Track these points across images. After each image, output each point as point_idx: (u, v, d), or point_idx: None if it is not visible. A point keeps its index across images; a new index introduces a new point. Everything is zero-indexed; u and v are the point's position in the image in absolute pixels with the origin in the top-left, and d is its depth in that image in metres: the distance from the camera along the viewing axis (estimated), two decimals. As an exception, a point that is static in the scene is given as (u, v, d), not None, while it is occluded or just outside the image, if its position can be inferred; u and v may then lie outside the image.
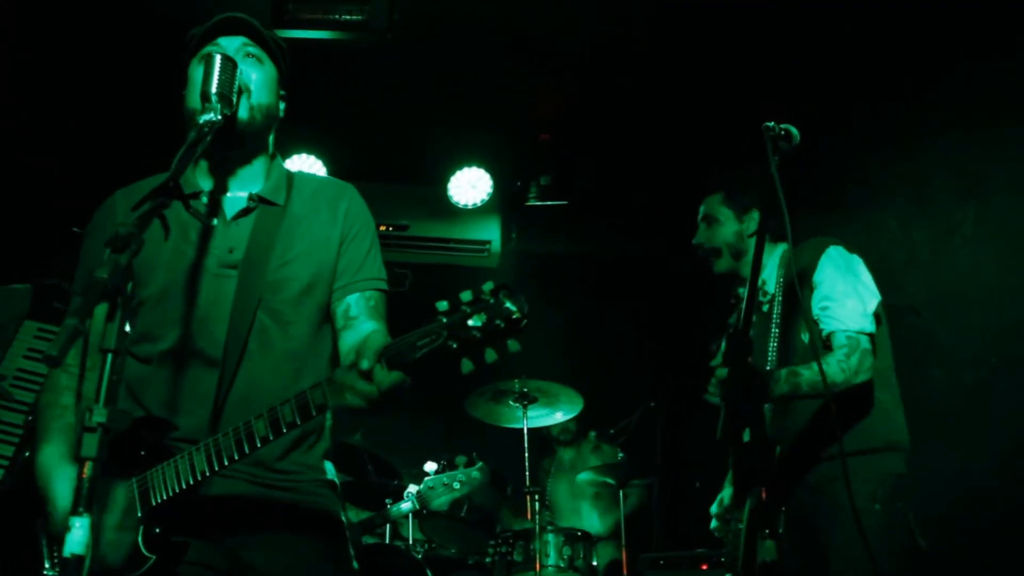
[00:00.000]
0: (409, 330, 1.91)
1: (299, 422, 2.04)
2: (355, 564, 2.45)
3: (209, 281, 2.37)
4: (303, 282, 2.43)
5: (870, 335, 3.34)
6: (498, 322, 1.81)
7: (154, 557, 2.14)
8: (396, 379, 1.92)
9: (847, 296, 3.39)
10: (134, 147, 5.29)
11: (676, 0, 5.20)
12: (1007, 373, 4.14)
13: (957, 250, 4.55)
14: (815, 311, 3.43)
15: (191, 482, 2.13)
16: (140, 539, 2.15)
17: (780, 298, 3.57)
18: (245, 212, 2.45)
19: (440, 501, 4.62)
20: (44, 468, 2.27)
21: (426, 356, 1.87)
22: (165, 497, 2.15)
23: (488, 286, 1.85)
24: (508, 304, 1.82)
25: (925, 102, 4.79)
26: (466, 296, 1.85)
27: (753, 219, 3.74)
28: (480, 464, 4.46)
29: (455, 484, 4.42)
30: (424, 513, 5.49)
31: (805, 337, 3.42)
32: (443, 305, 1.85)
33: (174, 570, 2.18)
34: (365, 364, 1.92)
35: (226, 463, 2.10)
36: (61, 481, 2.21)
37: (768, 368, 3.44)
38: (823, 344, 3.38)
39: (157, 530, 2.15)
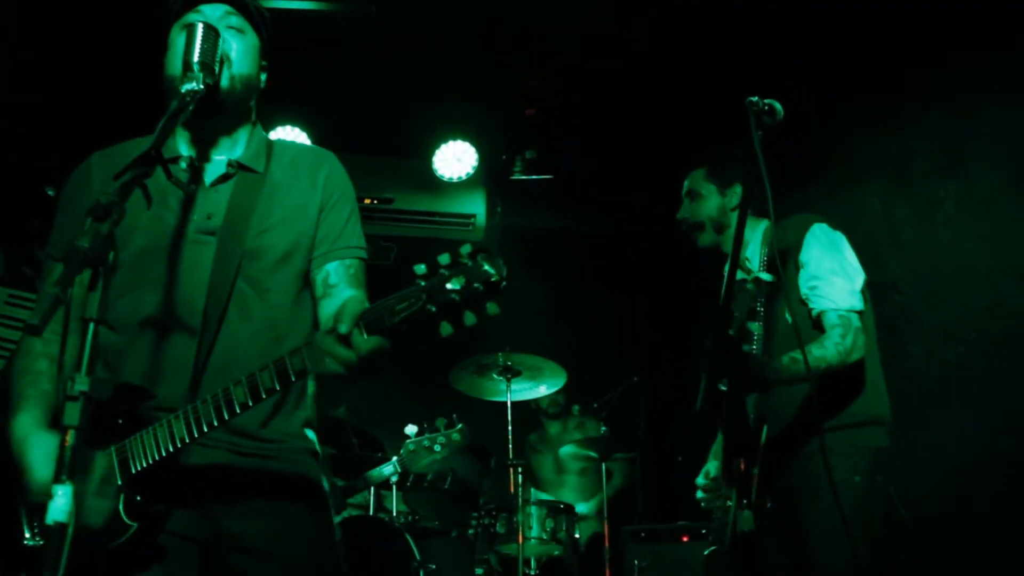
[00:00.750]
0: None
1: (278, 388, 2.04)
2: (337, 533, 2.46)
3: (187, 247, 2.36)
4: (282, 249, 2.42)
5: (859, 312, 3.36)
6: (476, 285, 1.81)
7: (135, 525, 2.14)
8: (375, 344, 1.92)
9: (835, 274, 3.40)
10: (108, 109, 5.27)
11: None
12: (987, 350, 4.17)
13: (939, 228, 4.57)
14: (803, 290, 3.44)
15: (170, 449, 2.12)
16: (121, 507, 2.14)
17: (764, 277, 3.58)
18: (224, 178, 2.45)
19: (421, 464, 4.61)
20: (18, 436, 2.26)
21: (405, 320, 1.86)
22: (145, 465, 2.14)
23: (466, 249, 1.84)
24: (486, 267, 1.81)
25: (907, 81, 4.79)
26: (444, 259, 1.84)
27: (736, 193, 3.74)
28: (460, 426, 4.45)
29: (436, 447, 4.42)
30: (408, 483, 5.52)
31: (789, 317, 3.43)
32: (421, 268, 1.85)
33: (155, 538, 2.18)
34: (343, 328, 1.92)
35: (205, 430, 2.10)
36: (36, 448, 2.20)
37: (754, 349, 3.45)
38: (812, 323, 3.40)
39: (138, 498, 2.15)
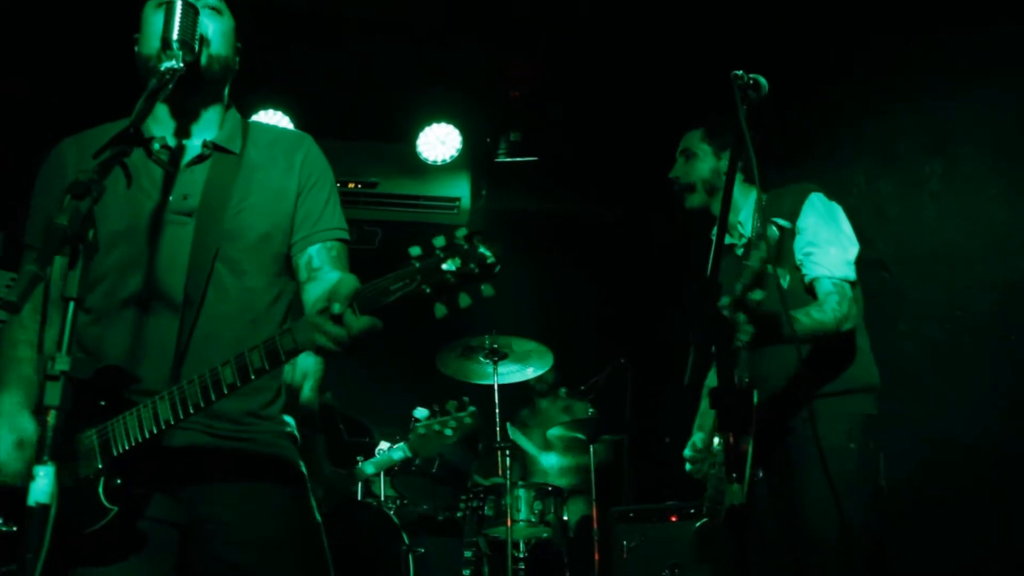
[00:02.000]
0: None
1: (268, 368, 2.02)
2: (318, 517, 2.44)
3: (164, 228, 2.33)
4: (259, 231, 2.40)
5: (852, 283, 3.37)
6: (472, 266, 1.82)
7: (115, 509, 2.12)
8: (367, 323, 1.91)
9: (830, 243, 3.40)
10: (89, 95, 5.21)
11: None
12: (973, 328, 4.19)
13: (924, 206, 4.58)
14: (798, 256, 3.44)
15: (154, 431, 2.10)
16: (101, 490, 2.12)
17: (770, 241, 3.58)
18: (199, 159, 2.42)
19: (431, 447, 4.58)
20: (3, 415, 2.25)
21: (399, 300, 1.87)
22: (127, 447, 2.12)
23: (462, 232, 1.85)
24: (482, 249, 1.83)
25: (893, 59, 4.79)
26: (439, 241, 1.85)
27: (724, 161, 3.72)
28: (472, 408, 4.42)
29: (447, 431, 4.39)
30: (412, 467, 5.50)
31: (784, 282, 3.43)
32: (416, 250, 1.85)
33: (135, 522, 2.16)
34: (337, 308, 1.90)
35: (192, 411, 2.08)
36: (7, 432, 2.20)
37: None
38: (805, 289, 3.40)
39: (118, 481, 2.13)
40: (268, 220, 2.42)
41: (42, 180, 2.48)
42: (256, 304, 2.39)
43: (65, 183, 2.28)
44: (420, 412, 4.45)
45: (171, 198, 2.35)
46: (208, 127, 2.47)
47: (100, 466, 2.13)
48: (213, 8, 2.42)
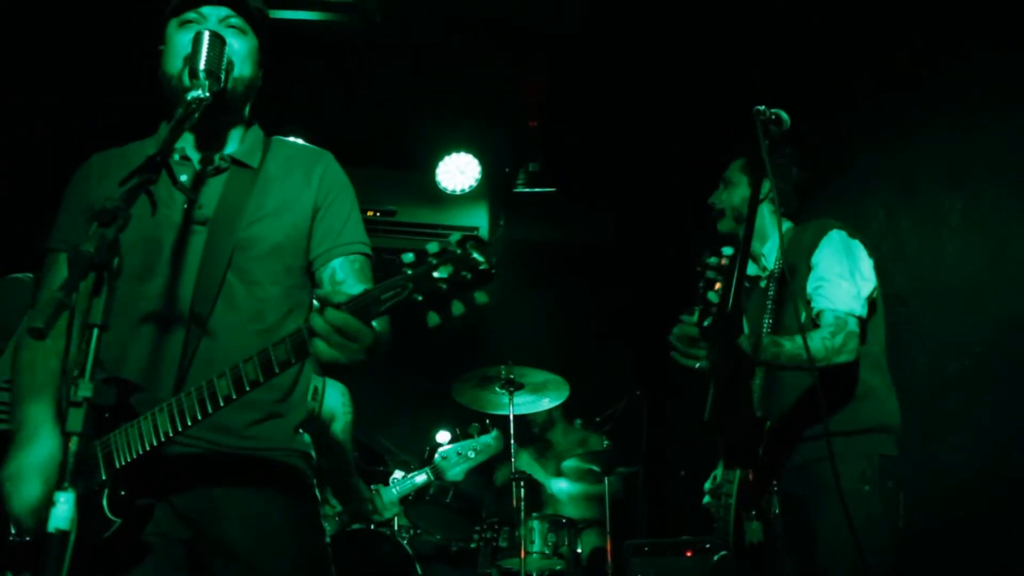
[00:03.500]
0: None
1: (262, 379, 2.01)
2: (327, 538, 2.43)
3: (177, 236, 2.35)
4: (273, 241, 2.41)
5: (859, 318, 3.35)
6: (464, 273, 1.78)
7: (119, 521, 2.11)
8: (352, 321, 1.89)
9: (842, 278, 3.39)
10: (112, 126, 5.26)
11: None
12: (991, 363, 4.16)
13: (944, 241, 4.56)
14: (808, 290, 3.44)
15: (154, 443, 2.10)
16: (104, 502, 2.12)
17: (778, 276, 3.60)
18: (217, 171, 2.45)
19: (455, 471, 4.55)
20: (31, 421, 2.24)
21: (390, 309, 1.84)
22: (129, 459, 2.12)
23: (455, 237, 1.81)
24: (475, 255, 1.78)
25: (912, 94, 4.80)
26: (432, 247, 1.81)
27: (764, 190, 3.74)
28: (495, 432, 4.40)
29: (470, 453, 4.37)
30: (410, 497, 5.48)
31: (801, 316, 3.43)
32: (408, 257, 1.82)
33: (138, 535, 2.15)
34: (328, 313, 1.90)
35: (189, 423, 2.07)
36: (43, 441, 2.19)
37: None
38: (813, 323, 3.40)
39: (122, 493, 2.13)
40: (282, 232, 2.43)
41: (70, 191, 2.51)
42: (267, 315, 2.39)
43: (90, 197, 2.34)
44: (442, 437, 4.45)
45: (186, 207, 2.37)
46: (229, 142, 2.50)
47: (104, 478, 2.13)
48: (238, 28, 2.45)
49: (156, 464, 2.15)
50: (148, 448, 2.11)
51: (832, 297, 3.36)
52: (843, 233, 3.53)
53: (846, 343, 3.28)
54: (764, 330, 3.50)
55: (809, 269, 3.49)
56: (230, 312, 2.34)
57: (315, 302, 2.46)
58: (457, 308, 1.80)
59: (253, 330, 2.35)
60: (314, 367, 2.58)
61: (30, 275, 4.01)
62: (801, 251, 3.53)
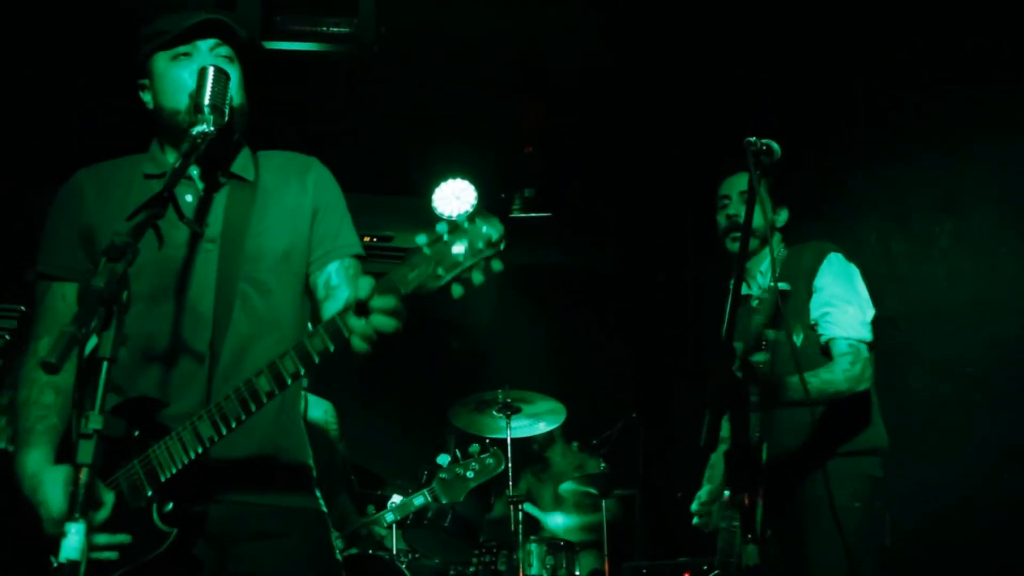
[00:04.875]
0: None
1: (303, 372, 2.09)
2: (339, 556, 2.51)
3: (189, 255, 2.40)
4: (279, 251, 2.48)
5: (869, 344, 3.40)
6: (479, 244, 1.89)
7: (175, 530, 2.16)
8: (391, 303, 1.97)
9: (848, 303, 3.44)
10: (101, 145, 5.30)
11: (661, 15, 5.26)
12: (984, 385, 4.20)
13: (935, 263, 4.61)
14: (814, 315, 3.47)
15: (199, 451, 2.15)
16: (155, 516, 2.17)
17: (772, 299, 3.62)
18: (217, 188, 2.50)
19: (455, 492, 4.56)
20: (30, 472, 2.26)
21: (418, 286, 1.94)
22: (174, 471, 2.17)
23: (462, 215, 1.93)
24: (485, 228, 1.90)
25: (902, 118, 4.86)
26: (442, 227, 1.92)
27: (781, 215, 3.80)
28: (494, 450, 4.41)
29: (469, 474, 4.38)
30: (408, 520, 5.49)
31: (797, 339, 3.46)
32: (422, 238, 1.92)
33: (196, 540, 2.21)
34: (364, 293, 1.97)
35: (233, 425, 2.13)
36: (51, 484, 2.20)
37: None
38: (820, 349, 3.43)
39: (171, 505, 2.18)
40: (287, 239, 2.51)
41: (56, 211, 2.53)
42: (282, 322, 2.46)
43: (83, 215, 2.40)
44: (443, 459, 4.46)
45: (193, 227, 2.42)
46: (223, 161, 2.54)
47: (150, 494, 2.18)
48: (227, 58, 2.50)
49: (202, 471, 2.20)
50: (193, 456, 2.16)
51: (842, 324, 3.39)
52: (841, 256, 3.57)
53: (864, 371, 3.34)
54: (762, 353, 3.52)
55: (810, 293, 3.53)
56: (250, 323, 2.41)
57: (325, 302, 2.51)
58: (477, 278, 1.91)
59: (272, 338, 2.42)
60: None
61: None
62: (800, 272, 3.55)
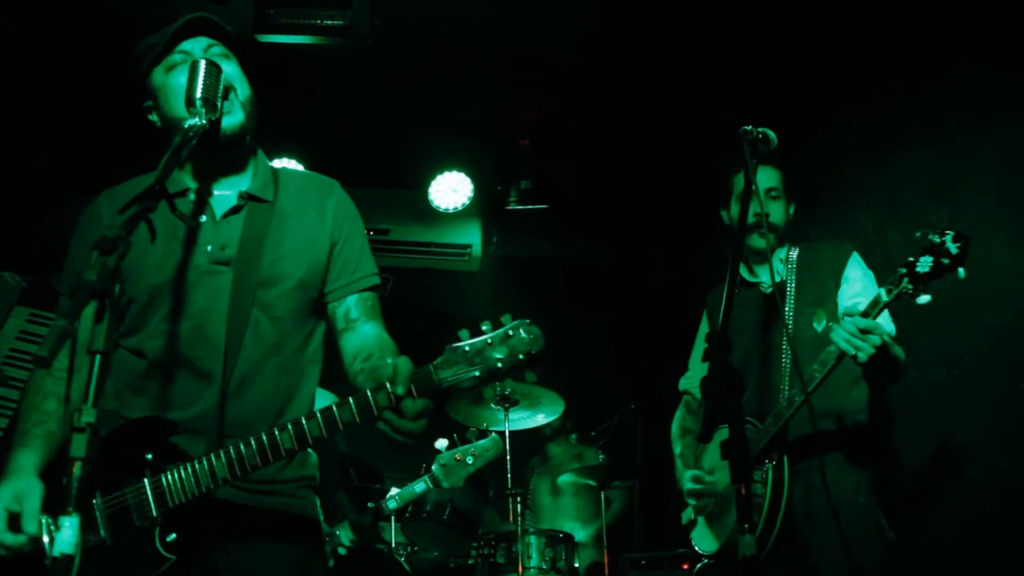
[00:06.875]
0: (407, 329, 1.98)
1: (326, 435, 2.11)
2: (330, 562, 2.51)
3: (204, 278, 2.41)
4: (295, 279, 2.48)
5: (894, 339, 3.45)
6: (520, 356, 1.97)
7: (174, 558, 2.17)
8: (422, 405, 2.03)
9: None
10: (109, 142, 5.31)
11: (656, 8, 5.25)
12: (981, 374, 4.19)
13: (932, 252, 4.58)
14: (847, 303, 3.51)
15: (211, 487, 2.17)
16: (157, 541, 2.17)
17: (791, 289, 3.67)
18: (235, 210, 2.50)
19: (455, 478, 4.56)
20: (14, 468, 2.28)
21: (452, 386, 2.01)
22: (183, 500, 2.17)
23: (507, 318, 2.00)
24: (528, 339, 1.98)
25: (896, 105, 4.85)
26: (487, 327, 1.99)
27: (791, 211, 3.90)
28: (493, 435, 4.41)
29: (468, 459, 4.38)
30: (407, 513, 5.49)
31: (818, 326, 3.52)
32: (465, 334, 1.99)
33: (191, 569, 2.21)
34: (400, 390, 2.01)
35: (249, 471, 2.15)
36: (29, 500, 2.21)
37: (783, 356, 3.59)
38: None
39: (174, 535, 2.18)
40: (304, 267, 2.51)
41: (79, 232, 2.56)
42: (287, 347, 2.47)
43: (99, 234, 2.39)
44: (440, 443, 4.45)
45: (210, 248, 2.43)
46: (242, 177, 2.54)
47: (155, 515, 2.18)
48: (222, 56, 2.50)
49: (207, 508, 2.21)
50: (204, 491, 2.17)
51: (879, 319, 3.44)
52: (858, 255, 3.70)
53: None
54: (783, 345, 3.55)
55: (838, 284, 3.63)
56: (258, 348, 2.42)
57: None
58: (508, 384, 1.96)
59: (274, 362, 2.44)
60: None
61: (16, 277, 4.12)
62: (823, 265, 3.66)
